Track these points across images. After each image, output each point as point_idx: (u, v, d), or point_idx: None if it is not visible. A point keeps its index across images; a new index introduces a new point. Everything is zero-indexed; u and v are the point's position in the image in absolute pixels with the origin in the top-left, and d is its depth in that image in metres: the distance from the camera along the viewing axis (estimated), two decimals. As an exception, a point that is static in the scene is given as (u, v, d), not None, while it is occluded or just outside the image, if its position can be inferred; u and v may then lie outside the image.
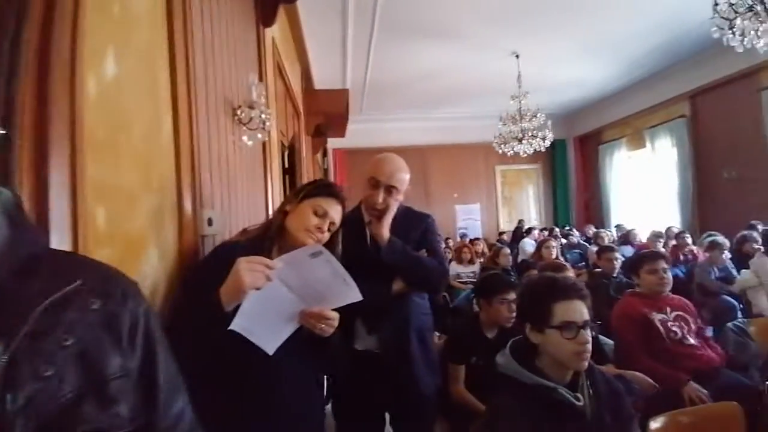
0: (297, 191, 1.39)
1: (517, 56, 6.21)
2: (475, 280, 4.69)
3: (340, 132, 6.71)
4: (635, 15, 5.30)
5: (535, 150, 6.80)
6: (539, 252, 4.65)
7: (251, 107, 2.06)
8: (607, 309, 3.39)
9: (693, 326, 2.36)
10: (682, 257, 5.09)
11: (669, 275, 2.45)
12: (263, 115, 2.09)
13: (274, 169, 3.07)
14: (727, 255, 4.49)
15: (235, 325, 1.06)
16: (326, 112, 5.23)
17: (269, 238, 1.29)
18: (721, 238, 4.61)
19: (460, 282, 5.12)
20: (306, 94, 5.16)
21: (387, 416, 1.79)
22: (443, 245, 6.76)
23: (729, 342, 2.51)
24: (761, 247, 3.91)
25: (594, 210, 9.99)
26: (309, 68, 5.18)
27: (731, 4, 2.78)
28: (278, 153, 3.29)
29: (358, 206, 1.81)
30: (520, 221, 9.43)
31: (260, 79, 2.61)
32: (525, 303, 1.41)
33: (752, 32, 2.75)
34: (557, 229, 8.14)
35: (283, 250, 1.24)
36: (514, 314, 2.10)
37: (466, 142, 9.82)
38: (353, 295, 1.17)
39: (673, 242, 5.63)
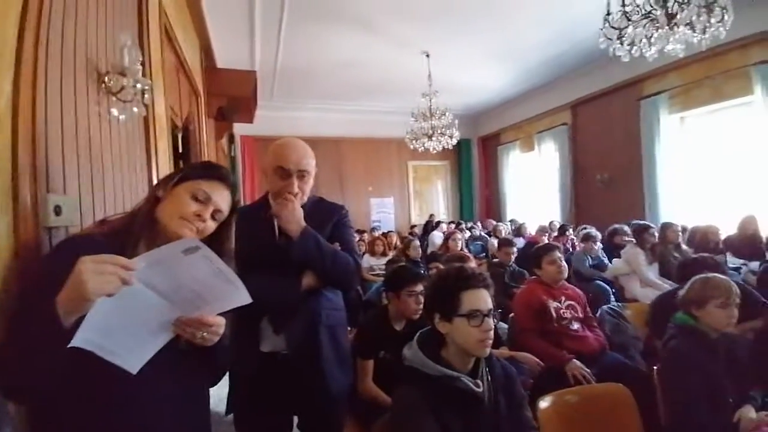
0: (172, 174, 1.13)
1: (427, 55, 6.31)
2: (387, 272, 4.67)
3: (248, 117, 6.19)
4: (536, 26, 5.69)
5: (443, 147, 7.03)
6: (446, 244, 4.79)
7: (122, 74, 1.68)
8: (502, 296, 3.60)
9: (581, 314, 2.56)
10: (563, 248, 5.64)
11: (565, 265, 2.64)
12: (140, 86, 1.72)
13: (162, 152, 2.63)
14: (599, 246, 5.09)
15: (79, 341, 0.79)
16: (231, 95, 4.73)
17: (133, 231, 1.02)
18: (593, 231, 5.21)
19: (373, 274, 5.06)
20: (207, 72, 4.60)
21: (295, 419, 1.63)
22: (357, 238, 6.74)
23: (606, 324, 2.79)
24: (633, 239, 4.46)
25: (493, 205, 10.74)
26: (210, 44, 4.62)
27: (625, 13, 2.98)
28: (167, 133, 2.84)
29: (264, 198, 1.62)
30: (431, 215, 9.76)
31: (140, 44, 2.19)
32: (434, 293, 1.38)
33: (644, 39, 3.00)
34: (464, 224, 8.59)
35: (153, 245, 0.97)
36: (422, 306, 2.07)
37: (381, 137, 9.84)
38: (240, 296, 0.96)
39: (556, 234, 6.26)
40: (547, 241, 5.76)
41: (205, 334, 0.97)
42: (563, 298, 2.58)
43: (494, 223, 8.22)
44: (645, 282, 4.12)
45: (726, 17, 2.71)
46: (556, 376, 2.20)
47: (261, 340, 1.48)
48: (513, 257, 4.09)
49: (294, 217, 1.43)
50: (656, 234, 4.36)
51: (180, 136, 3.17)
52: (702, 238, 4.44)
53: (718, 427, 1.54)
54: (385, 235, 6.71)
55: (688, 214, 5.80)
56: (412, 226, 9.68)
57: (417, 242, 4.69)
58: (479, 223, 8.94)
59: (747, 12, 2.97)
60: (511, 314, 2.79)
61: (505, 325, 2.90)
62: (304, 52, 6.04)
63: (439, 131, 6.80)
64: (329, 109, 9.05)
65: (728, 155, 5.71)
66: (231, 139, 8.06)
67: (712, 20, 2.75)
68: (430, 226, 8.84)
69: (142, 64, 1.90)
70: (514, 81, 8.00)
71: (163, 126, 2.70)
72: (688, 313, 1.74)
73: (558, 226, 6.76)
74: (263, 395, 1.48)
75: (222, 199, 1.08)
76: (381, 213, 10.19)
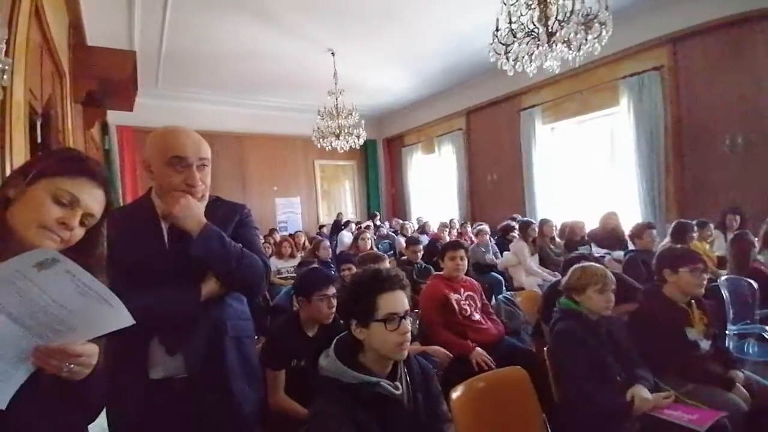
0: (24, 166, 0.88)
1: (333, 53, 6.24)
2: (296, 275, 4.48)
3: (126, 104, 5.37)
4: (435, 36, 5.99)
5: (351, 147, 7.01)
6: (356, 243, 4.77)
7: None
8: (412, 292, 3.71)
9: (479, 304, 2.73)
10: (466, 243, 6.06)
11: (464, 261, 2.81)
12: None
13: (17, 142, 2.13)
14: (491, 240, 5.58)
15: None
16: (104, 77, 4.01)
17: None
18: (485, 227, 5.72)
19: (281, 278, 4.82)
20: (76, 50, 3.86)
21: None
22: (262, 239, 6.36)
23: (501, 311, 3.04)
24: (518, 234, 4.97)
25: (399, 204, 11.10)
26: (80, 18, 3.91)
27: (511, 30, 3.24)
28: (25, 120, 2.31)
29: (145, 197, 1.36)
30: (339, 214, 9.69)
31: (9, 20, 1.73)
32: (350, 299, 1.31)
33: (525, 56, 3.30)
34: (380, 222, 8.71)
35: (3, 258, 0.74)
36: (334, 309, 2.00)
37: (287, 134, 9.45)
38: (118, 317, 0.78)
39: (456, 231, 6.71)
40: (448, 238, 6.18)
41: (72, 366, 0.78)
42: (462, 290, 2.73)
43: (401, 221, 8.49)
44: (528, 271, 4.62)
45: (605, 32, 3.09)
46: (464, 366, 2.32)
47: (150, 366, 1.24)
48: (420, 255, 4.23)
49: (192, 212, 1.22)
50: (536, 229, 4.93)
51: (39, 123, 2.60)
52: (570, 232, 5.12)
53: (605, 401, 1.72)
54: (292, 236, 6.46)
55: (559, 210, 6.66)
56: (321, 226, 9.51)
57: (327, 242, 4.59)
58: (386, 222, 9.16)
59: (620, 28, 3.47)
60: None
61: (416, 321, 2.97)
62: (200, 36, 5.49)
63: (346, 130, 6.77)
64: (231, 102, 8.38)
65: (592, 159, 6.70)
66: (105, 129, 6.97)
67: (590, 37, 3.11)
68: (339, 225, 8.78)
69: (7, 42, 1.49)
70: (416, 86, 8.35)
71: (21, 115, 2.19)
72: (570, 298, 1.95)
73: (457, 223, 7.24)
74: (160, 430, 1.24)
75: (93, 199, 0.87)
76: (287, 213, 9.81)
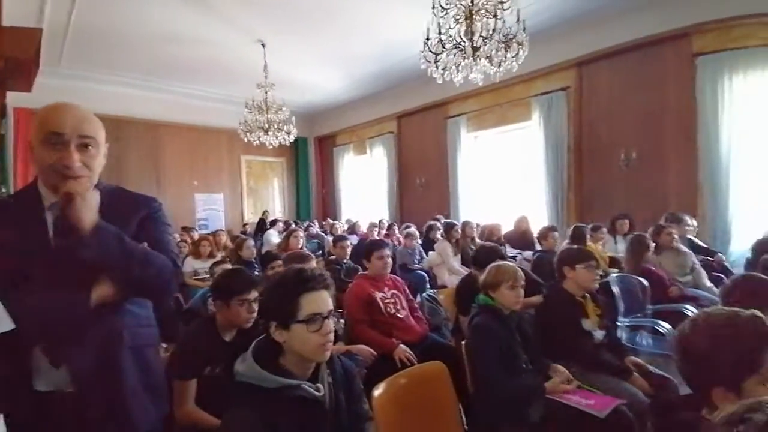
0: None
1: (263, 45, 5.99)
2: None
3: (26, 85, 4.63)
4: (368, 40, 6.02)
5: (280, 143, 6.78)
6: (287, 241, 4.62)
7: None
8: (338, 292, 3.67)
9: (404, 302, 2.79)
10: (392, 243, 6.17)
11: (390, 260, 2.85)
12: None
13: None
14: (418, 241, 5.75)
15: None
16: (8, 57, 3.40)
17: None
18: (413, 230, 5.89)
19: (197, 279, 4.47)
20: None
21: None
22: (179, 237, 5.86)
23: (425, 308, 3.14)
24: (443, 234, 5.18)
25: (330, 204, 10.97)
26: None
27: (441, 40, 3.38)
28: None
29: (31, 186, 1.16)
30: (264, 212, 9.29)
31: None
32: (271, 300, 1.23)
33: (453, 67, 3.46)
34: (300, 223, 8.48)
35: None
36: (255, 314, 1.87)
37: (211, 125, 8.84)
38: None
39: (385, 231, 6.81)
40: (377, 238, 6.23)
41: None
42: (387, 289, 2.77)
43: (331, 221, 8.40)
44: (451, 270, 4.84)
45: (521, 53, 3.34)
46: (387, 363, 2.34)
47: (35, 376, 1.07)
48: (348, 252, 4.20)
49: (85, 205, 1.03)
50: (459, 230, 5.18)
51: None
52: (489, 234, 5.48)
53: (518, 385, 1.84)
54: (213, 234, 6.05)
55: (479, 213, 7.09)
56: (245, 224, 9.05)
57: (251, 242, 4.35)
58: (315, 222, 9.00)
59: (534, 50, 3.77)
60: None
61: (341, 321, 2.95)
62: (115, 13, 4.93)
63: (275, 126, 6.53)
64: (146, 86, 7.60)
65: (509, 168, 7.23)
66: (2, 112, 5.94)
67: (509, 55, 3.35)
68: (264, 224, 8.43)
69: None
70: (349, 87, 8.34)
71: None
72: (486, 294, 2.08)
73: (386, 223, 7.36)
74: None
75: None
76: (208, 210, 9.17)
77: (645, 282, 3.19)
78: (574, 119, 5.99)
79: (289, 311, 1.16)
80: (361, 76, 7.69)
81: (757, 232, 3.92)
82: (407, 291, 2.91)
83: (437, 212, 7.25)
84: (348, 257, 4.23)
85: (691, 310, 2.93)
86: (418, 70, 3.81)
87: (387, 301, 2.73)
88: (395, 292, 2.81)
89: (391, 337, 2.55)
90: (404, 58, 6.62)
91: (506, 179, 7.30)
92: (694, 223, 4.52)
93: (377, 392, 1.62)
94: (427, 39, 3.53)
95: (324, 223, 8.91)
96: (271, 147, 6.80)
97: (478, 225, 5.84)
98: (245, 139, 6.62)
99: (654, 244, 3.66)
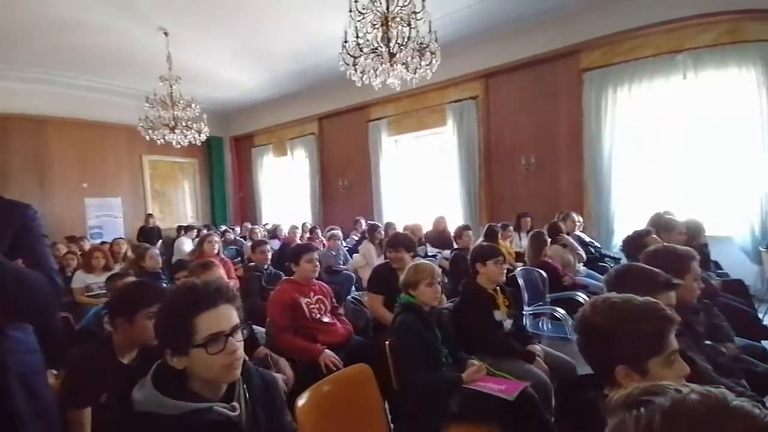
0: None
1: (165, 33, 5.47)
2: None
3: None
4: (287, 37, 5.83)
5: (190, 143, 6.27)
6: (201, 248, 4.27)
7: None
8: (260, 298, 3.49)
9: (329, 306, 2.75)
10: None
11: (318, 264, 2.80)
12: None
13: None
14: (342, 243, 5.74)
15: None
16: None
17: None
18: (337, 231, 5.85)
19: (90, 296, 3.94)
20: None
21: None
22: (65, 250, 5.08)
23: (349, 311, 3.12)
24: (366, 236, 5.21)
25: (249, 208, 10.42)
26: None
27: (359, 44, 3.39)
28: None
29: None
30: (149, 217, 8.25)
31: None
32: (162, 326, 1.09)
33: (371, 71, 3.49)
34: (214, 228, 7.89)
35: None
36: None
37: (107, 121, 7.87)
38: None
39: (308, 235, 6.66)
40: (299, 242, 6.08)
41: None
42: (312, 294, 2.71)
43: (250, 226, 7.97)
44: (376, 271, 4.88)
45: (434, 61, 3.49)
46: (312, 370, 2.28)
47: None
48: (269, 257, 4.01)
49: None
50: (382, 232, 5.27)
51: None
52: (411, 233, 5.63)
53: (438, 379, 1.91)
54: (111, 244, 5.36)
55: (402, 215, 7.29)
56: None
57: (155, 250, 3.93)
58: (236, 228, 8.48)
59: (447, 60, 3.97)
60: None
61: (263, 329, 2.81)
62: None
63: (183, 123, 6.01)
64: (30, 78, 6.55)
65: (428, 170, 7.54)
66: None
67: (423, 63, 3.49)
68: (149, 231, 7.61)
69: None
70: (267, 85, 8.01)
71: None
72: (407, 293, 2.13)
73: (309, 227, 7.20)
74: None
75: None
76: (103, 217, 8.12)
77: (544, 273, 3.55)
78: (483, 126, 6.46)
79: (183, 336, 1.02)
80: (280, 75, 7.44)
81: (635, 226, 4.56)
82: (332, 297, 2.88)
83: (360, 215, 7.30)
84: (269, 262, 4.05)
85: (582, 297, 3.33)
86: (339, 72, 3.80)
87: (312, 306, 2.67)
88: (320, 297, 2.76)
89: (315, 341, 2.49)
90: (325, 59, 6.54)
91: (425, 181, 7.61)
92: (581, 219, 5.16)
93: (301, 402, 1.57)
94: (345, 42, 3.54)
95: (243, 228, 8.43)
96: (179, 146, 6.24)
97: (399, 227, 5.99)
98: (147, 137, 6.00)
99: (550, 239, 4.10)
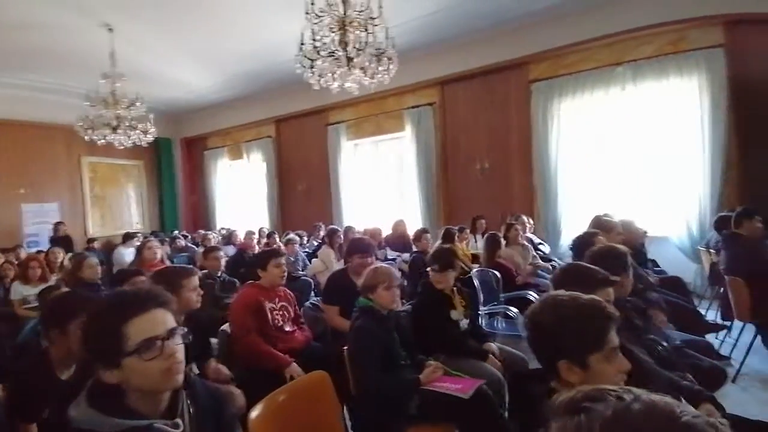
0: None
1: (110, 29, 5.14)
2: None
3: None
4: (241, 38, 5.66)
5: (134, 144, 5.92)
6: (141, 256, 4.02)
7: None
8: (213, 308, 3.34)
9: (292, 314, 2.70)
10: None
11: (286, 270, 2.77)
12: None
13: None
14: (302, 248, 5.64)
15: None
16: None
17: None
18: (294, 236, 5.75)
19: (28, 308, 3.62)
20: None
21: None
22: (2, 259, 4.60)
23: (307, 317, 3.06)
24: (326, 241, 5.14)
25: (202, 213, 9.97)
26: None
27: (315, 47, 3.36)
28: None
29: None
30: (57, 225, 7.34)
31: None
32: (89, 338, 1.01)
33: (329, 74, 3.46)
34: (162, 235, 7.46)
35: None
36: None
37: (43, 121, 7.25)
38: None
39: (265, 240, 6.47)
40: (257, 248, 5.90)
41: None
42: (277, 300, 2.66)
43: (203, 232, 7.62)
44: (336, 276, 4.83)
45: (392, 67, 3.53)
46: (268, 379, 2.20)
47: None
48: (222, 263, 3.86)
49: None
50: (342, 236, 5.23)
51: None
52: (371, 237, 5.64)
53: (396, 381, 1.91)
54: (47, 252, 4.93)
55: (361, 219, 7.28)
56: (90, 240, 7.57)
57: (94, 260, 3.64)
58: (188, 234, 8.07)
59: (405, 67, 4.02)
60: (224, 326, 2.62)
61: (214, 339, 2.69)
62: None
63: (127, 123, 5.66)
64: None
65: (387, 174, 7.59)
66: None
67: (380, 68, 3.51)
68: (60, 239, 6.91)
69: None
70: (222, 85, 7.73)
71: None
72: (365, 297, 2.13)
73: (267, 232, 7.00)
74: None
75: None
76: (40, 224, 7.48)
77: (498, 274, 3.69)
78: (441, 132, 6.63)
79: (113, 346, 0.96)
80: (234, 75, 7.21)
81: (581, 227, 4.83)
82: (296, 304, 2.83)
83: (319, 219, 7.21)
84: (222, 269, 3.89)
85: (533, 295, 3.48)
86: (297, 74, 3.75)
87: (276, 312, 2.60)
88: (285, 304, 2.71)
89: (275, 348, 2.42)
90: (282, 62, 6.40)
91: (385, 185, 7.66)
92: (531, 221, 5.41)
93: (254, 414, 1.51)
94: (302, 44, 3.50)
95: (195, 234, 8.03)
96: (122, 148, 5.87)
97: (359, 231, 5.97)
98: (86, 138, 5.59)
99: (504, 240, 4.27)
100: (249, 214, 8.97)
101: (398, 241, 5.91)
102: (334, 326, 2.84)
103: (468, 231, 5.50)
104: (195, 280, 2.18)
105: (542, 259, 4.62)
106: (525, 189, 5.98)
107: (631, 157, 5.34)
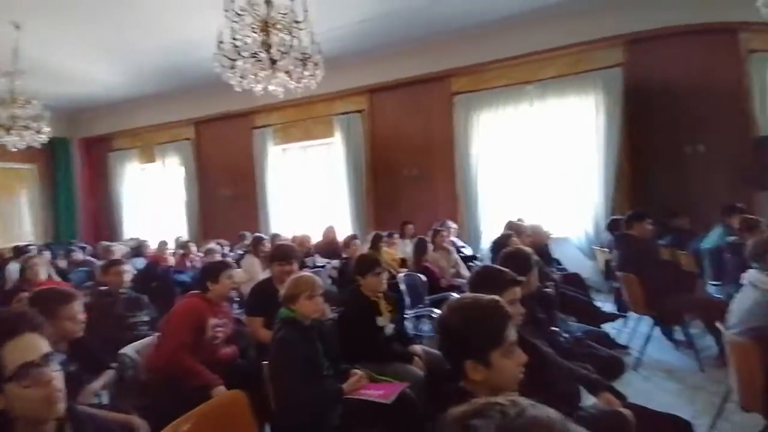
0: None
1: (17, 27, 4.54)
2: None
3: None
4: (152, 32, 5.21)
5: (28, 145, 5.16)
6: (24, 275, 3.48)
7: None
8: (116, 330, 2.95)
9: (229, 332, 2.55)
10: (189, 264, 5.42)
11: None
12: None
13: None
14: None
15: None
16: None
17: None
18: (215, 246, 5.40)
19: None
20: None
21: None
22: None
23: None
24: (251, 250, 4.88)
25: (105, 222, 8.94)
26: None
27: (236, 46, 3.19)
28: None
29: None
30: None
31: None
32: None
33: (252, 76, 3.30)
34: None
35: None
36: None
37: None
38: None
39: (181, 251, 5.94)
40: (172, 260, 5.43)
41: None
42: (221, 317, 2.51)
43: (106, 243, 6.81)
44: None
45: (317, 72, 3.47)
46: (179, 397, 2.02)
47: None
48: (125, 278, 3.44)
49: None
50: (267, 244, 5.01)
51: None
52: (299, 245, 5.49)
53: (319, 392, 1.86)
54: None
55: (290, 226, 7.08)
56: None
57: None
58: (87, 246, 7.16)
59: (332, 73, 3.99)
60: (125, 349, 2.34)
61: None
62: None
63: (20, 123, 4.95)
64: None
65: (317, 180, 7.44)
66: None
67: (306, 73, 3.45)
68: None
69: None
70: (130, 82, 7.03)
71: None
72: (287, 307, 2.05)
73: (182, 241, 6.46)
74: None
75: None
76: None
77: (423, 277, 3.80)
78: (370, 139, 6.72)
79: None
80: (146, 72, 6.60)
81: (498, 230, 5.16)
82: (233, 320, 2.66)
83: (246, 227, 6.84)
84: (126, 285, 3.47)
85: (455, 297, 3.63)
86: (217, 75, 3.56)
87: (218, 330, 2.43)
88: (227, 320, 2.55)
89: (206, 365, 2.26)
90: (200, 60, 5.98)
91: (315, 191, 7.53)
92: (456, 226, 5.69)
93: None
94: (221, 42, 3.32)
95: (96, 246, 7.15)
96: (15, 150, 5.11)
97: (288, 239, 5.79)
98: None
99: (432, 245, 4.42)
100: (164, 223, 8.25)
101: (328, 247, 5.84)
102: (258, 339, 2.70)
103: (397, 236, 5.60)
104: (74, 308, 1.91)
105: (464, 260, 4.86)
106: (449, 195, 6.27)
107: (540, 167, 5.90)
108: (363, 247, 4.82)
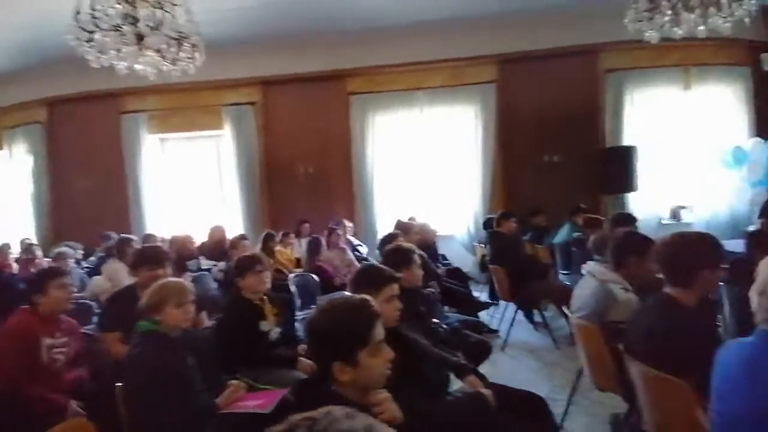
0: None
1: None
2: None
3: None
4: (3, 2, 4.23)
5: None
6: None
7: None
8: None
9: (75, 349, 2.19)
10: (34, 271, 4.51)
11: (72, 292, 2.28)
12: None
13: None
14: (80, 264, 4.51)
15: None
16: None
17: None
18: (67, 250, 4.57)
19: None
20: None
21: None
22: None
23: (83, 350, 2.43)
24: (114, 253, 4.19)
25: None
26: None
27: (94, 17, 2.73)
28: None
29: None
30: None
31: None
32: None
33: (113, 52, 2.84)
34: None
35: None
36: None
37: None
38: None
39: (25, 256, 4.91)
40: (15, 266, 4.49)
41: None
42: (59, 335, 2.14)
43: None
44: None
45: (197, 55, 3.13)
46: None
47: None
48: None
49: None
50: (138, 246, 4.38)
51: None
52: (180, 247, 4.95)
53: (189, 409, 1.67)
54: None
55: (170, 225, 6.33)
56: None
57: None
58: None
59: (219, 59, 3.69)
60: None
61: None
62: None
63: None
64: None
65: (205, 176, 6.78)
66: None
67: (182, 54, 3.09)
68: None
69: None
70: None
71: None
72: (149, 318, 1.79)
73: (27, 244, 5.34)
74: None
75: None
76: None
77: (316, 277, 3.73)
78: (263, 134, 6.38)
79: None
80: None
81: (391, 229, 5.35)
82: (81, 336, 2.28)
83: (112, 226, 5.90)
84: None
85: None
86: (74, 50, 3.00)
87: (55, 351, 2.06)
88: (67, 339, 2.15)
89: (51, 389, 1.95)
90: (54, 33, 4.94)
91: (202, 188, 6.87)
92: (351, 225, 5.74)
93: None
94: (78, 13, 2.85)
95: None
96: None
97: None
98: None
99: (326, 245, 4.36)
100: (8, 223, 6.76)
101: (215, 248, 5.35)
102: (116, 358, 2.32)
103: (293, 235, 5.42)
104: None
105: (360, 260, 4.92)
106: (346, 194, 6.30)
107: (429, 169, 6.31)
108: (254, 248, 4.55)
